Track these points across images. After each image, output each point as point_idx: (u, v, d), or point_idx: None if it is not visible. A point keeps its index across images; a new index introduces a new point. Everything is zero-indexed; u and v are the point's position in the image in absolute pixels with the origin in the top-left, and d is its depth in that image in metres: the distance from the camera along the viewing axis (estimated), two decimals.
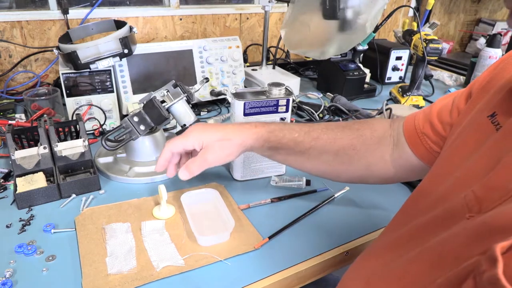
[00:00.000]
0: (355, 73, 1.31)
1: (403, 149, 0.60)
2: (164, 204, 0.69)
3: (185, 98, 0.79)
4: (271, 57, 1.49)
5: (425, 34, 1.19)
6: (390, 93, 1.38)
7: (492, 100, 0.44)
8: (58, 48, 0.97)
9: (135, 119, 0.76)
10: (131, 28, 1.01)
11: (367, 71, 1.42)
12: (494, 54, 1.40)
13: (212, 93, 1.16)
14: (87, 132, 0.89)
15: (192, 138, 0.62)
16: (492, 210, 0.35)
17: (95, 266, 0.57)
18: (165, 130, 0.98)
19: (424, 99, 1.30)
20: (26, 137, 0.80)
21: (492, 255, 0.28)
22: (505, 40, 2.02)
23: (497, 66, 0.49)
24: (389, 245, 0.47)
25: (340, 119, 1.12)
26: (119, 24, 1.09)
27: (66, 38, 1.10)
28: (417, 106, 1.27)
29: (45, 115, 0.92)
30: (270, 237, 0.64)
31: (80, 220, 0.67)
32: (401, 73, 1.52)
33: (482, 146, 0.41)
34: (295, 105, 1.17)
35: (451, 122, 0.53)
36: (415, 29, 1.29)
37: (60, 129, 0.82)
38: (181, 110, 0.79)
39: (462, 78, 1.59)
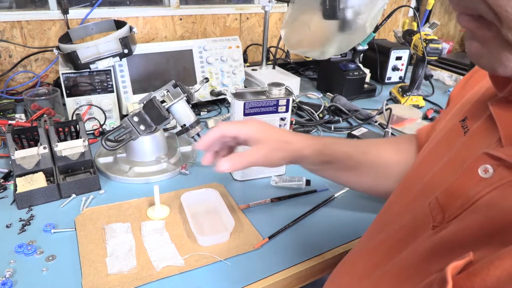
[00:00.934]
0: (355, 73, 1.31)
1: None
2: (158, 204, 0.69)
3: (185, 98, 0.79)
4: (271, 57, 1.49)
5: (425, 34, 1.19)
6: (390, 93, 1.38)
7: (464, 106, 0.44)
8: (58, 48, 0.97)
9: (135, 119, 0.76)
10: (131, 28, 1.01)
11: (367, 71, 1.42)
12: None
13: (212, 93, 1.16)
14: (87, 132, 0.89)
15: (251, 126, 0.57)
16: (454, 219, 0.34)
17: (95, 266, 0.57)
18: (165, 130, 0.98)
19: (424, 99, 1.30)
20: (26, 137, 0.80)
21: (444, 276, 0.27)
22: None
23: (472, 76, 0.51)
24: (364, 255, 0.46)
25: (340, 119, 1.12)
26: (119, 24, 1.09)
27: (66, 38, 1.10)
28: (417, 106, 1.27)
29: (45, 115, 0.92)
30: (270, 237, 0.64)
31: (80, 220, 0.67)
32: (401, 73, 1.52)
33: (450, 151, 0.41)
34: (295, 105, 1.17)
35: None
36: (415, 29, 1.29)
37: (60, 129, 0.82)
38: (181, 110, 0.79)
39: (461, 78, 1.59)
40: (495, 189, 0.32)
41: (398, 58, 1.48)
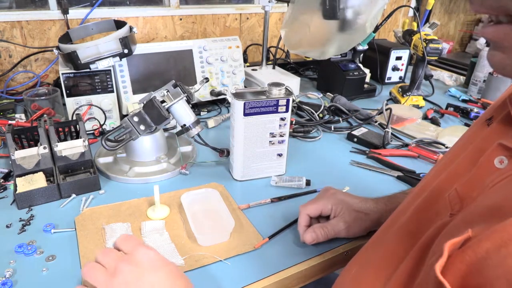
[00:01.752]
0: (355, 73, 1.31)
1: None
2: (158, 204, 0.69)
3: (185, 98, 0.79)
4: (271, 57, 1.49)
5: (425, 34, 1.19)
6: (390, 93, 1.38)
7: (492, 108, 0.45)
8: (58, 48, 0.97)
9: (135, 119, 0.76)
10: (131, 28, 1.01)
11: (367, 71, 1.42)
12: None
13: (212, 93, 1.16)
14: (87, 132, 0.89)
15: (332, 202, 0.63)
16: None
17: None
18: (165, 130, 0.98)
19: (424, 99, 1.30)
20: (26, 137, 0.80)
21: (441, 250, 0.29)
22: None
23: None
24: (383, 244, 0.47)
25: (340, 119, 1.12)
26: (119, 24, 1.09)
27: (66, 38, 1.10)
28: (417, 106, 1.27)
29: (45, 115, 0.92)
30: (270, 237, 0.64)
31: (80, 220, 0.67)
32: (401, 73, 1.52)
33: (473, 143, 0.42)
34: (295, 105, 1.17)
35: None
36: (415, 29, 1.29)
37: (60, 129, 0.82)
38: (181, 110, 0.79)
39: (462, 78, 1.59)
40: (505, 178, 0.33)
41: (398, 58, 1.48)
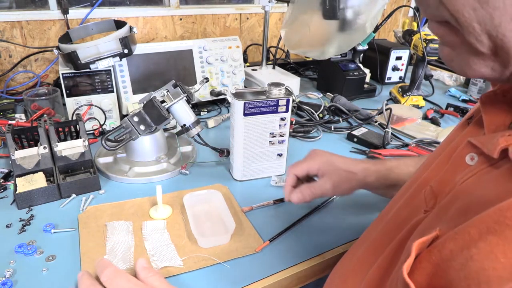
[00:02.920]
0: (355, 73, 1.31)
1: None
2: (160, 205, 0.69)
3: (185, 98, 0.79)
4: (271, 57, 1.49)
5: (425, 34, 1.19)
6: (390, 93, 1.38)
7: (475, 107, 0.46)
8: (58, 48, 0.97)
9: (135, 119, 0.76)
10: (131, 28, 1.01)
11: (367, 71, 1.42)
12: None
13: (212, 93, 1.16)
14: (87, 132, 0.89)
15: (319, 162, 0.63)
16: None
17: (95, 264, 0.57)
18: (165, 130, 0.98)
19: (424, 99, 1.30)
20: (26, 137, 0.80)
21: (409, 250, 0.30)
22: None
23: None
24: (366, 244, 0.47)
25: (340, 119, 1.12)
26: (119, 24, 1.09)
27: (66, 38, 1.10)
28: (417, 106, 1.27)
29: (45, 115, 0.92)
30: (271, 240, 0.64)
31: (83, 218, 0.67)
32: (401, 73, 1.52)
33: (453, 141, 0.43)
34: (295, 105, 1.17)
35: None
36: (415, 29, 1.29)
37: (60, 129, 0.82)
38: (181, 110, 0.79)
39: (462, 78, 1.59)
40: (473, 175, 0.34)
41: (398, 58, 1.48)
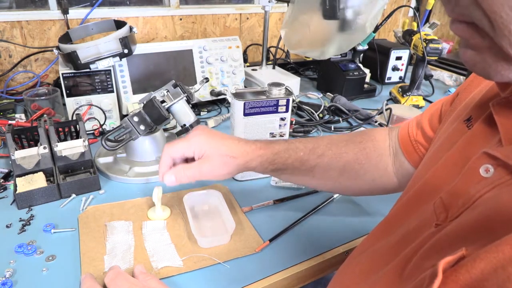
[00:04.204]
0: (355, 73, 1.31)
1: (401, 159, 0.59)
2: (158, 206, 0.69)
3: (185, 98, 0.79)
4: (271, 57, 1.49)
5: (425, 34, 1.19)
6: (390, 93, 1.38)
7: (469, 105, 0.44)
8: (58, 48, 0.97)
9: (135, 119, 0.76)
10: (131, 28, 1.01)
11: (367, 71, 1.42)
12: None
13: (212, 93, 1.16)
14: (87, 132, 0.89)
15: (195, 144, 0.58)
16: (456, 218, 0.34)
17: (95, 264, 0.57)
18: (165, 130, 0.98)
19: (424, 99, 1.30)
20: (26, 137, 0.80)
21: (435, 270, 0.28)
22: None
23: None
24: (370, 255, 0.46)
25: (340, 119, 1.12)
26: (119, 24, 1.09)
27: (66, 38, 1.10)
28: (417, 106, 1.27)
29: (45, 115, 0.92)
30: (271, 240, 0.64)
31: (83, 218, 0.67)
32: (401, 73, 1.52)
33: (453, 146, 0.41)
34: (295, 105, 1.17)
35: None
36: (415, 29, 1.29)
37: (60, 129, 0.82)
38: (181, 110, 0.79)
39: (462, 78, 1.59)
40: (493, 188, 0.32)
41: (398, 58, 1.48)
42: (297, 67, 1.59)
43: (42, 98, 0.99)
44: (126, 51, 0.96)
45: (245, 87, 1.26)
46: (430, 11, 1.72)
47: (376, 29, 1.25)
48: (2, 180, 0.77)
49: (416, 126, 0.58)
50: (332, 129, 1.07)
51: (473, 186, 0.34)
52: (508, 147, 0.33)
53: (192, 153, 0.58)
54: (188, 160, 0.61)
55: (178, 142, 0.59)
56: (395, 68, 1.49)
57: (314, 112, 1.12)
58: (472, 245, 0.29)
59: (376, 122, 1.11)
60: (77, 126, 0.82)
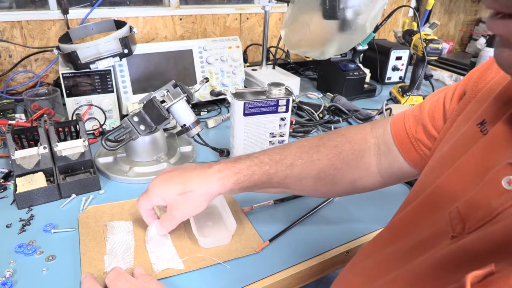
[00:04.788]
0: (355, 73, 1.31)
1: (394, 158, 0.56)
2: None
3: (185, 98, 0.79)
4: (271, 57, 1.49)
5: (425, 34, 1.19)
6: (390, 93, 1.38)
7: (479, 107, 0.42)
8: (58, 48, 0.97)
9: (135, 119, 0.76)
10: (131, 28, 1.01)
11: (367, 71, 1.42)
12: None
13: (212, 93, 1.16)
14: (87, 132, 0.89)
15: (155, 196, 0.58)
16: (474, 231, 0.32)
17: (95, 264, 0.57)
18: (165, 130, 0.98)
19: (424, 99, 1.30)
20: (26, 137, 0.80)
21: (462, 284, 0.27)
22: None
23: (489, 66, 0.46)
24: (378, 259, 0.45)
25: (340, 119, 1.12)
26: (119, 24, 1.09)
27: (66, 38, 1.10)
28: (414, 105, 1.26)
29: (45, 115, 0.92)
30: (271, 240, 0.64)
31: (83, 218, 0.67)
32: (401, 73, 1.52)
33: (467, 152, 0.39)
34: (295, 105, 1.17)
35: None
36: (415, 29, 1.29)
37: (60, 129, 0.82)
38: (181, 110, 0.79)
39: (462, 78, 1.59)
40: None
41: (398, 58, 1.48)
42: (297, 67, 1.59)
43: (42, 98, 0.99)
44: (126, 51, 0.96)
45: (245, 87, 1.26)
46: (430, 11, 1.72)
47: (376, 29, 1.25)
48: (2, 180, 0.77)
49: (415, 122, 0.55)
50: (332, 129, 1.06)
51: (495, 199, 0.32)
52: None
53: (157, 203, 0.59)
54: None
55: (142, 196, 0.60)
56: (395, 68, 1.49)
57: (314, 112, 1.12)
58: (501, 261, 0.28)
59: (368, 124, 1.11)
60: (77, 126, 0.82)
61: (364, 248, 0.50)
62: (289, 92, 0.77)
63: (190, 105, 0.81)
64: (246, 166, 0.57)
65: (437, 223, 0.37)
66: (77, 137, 0.83)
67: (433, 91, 1.41)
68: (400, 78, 1.53)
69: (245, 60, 1.47)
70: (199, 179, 0.56)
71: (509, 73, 0.30)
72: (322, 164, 0.58)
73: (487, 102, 0.40)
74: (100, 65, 0.94)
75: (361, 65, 1.38)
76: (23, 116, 0.98)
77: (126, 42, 0.95)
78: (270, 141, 0.79)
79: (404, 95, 1.28)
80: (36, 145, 0.75)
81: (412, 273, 0.36)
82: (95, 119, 0.97)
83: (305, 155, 0.58)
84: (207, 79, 0.89)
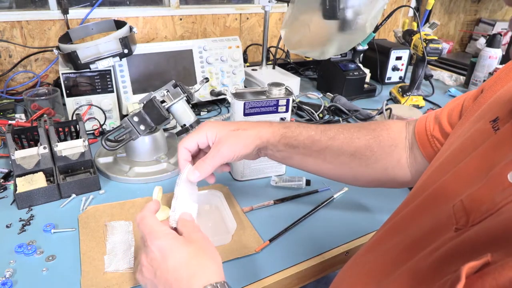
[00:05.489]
0: (355, 73, 1.31)
1: (416, 153, 0.59)
2: (156, 193, 0.68)
3: (185, 98, 0.79)
4: (271, 57, 1.49)
5: (425, 34, 1.19)
6: (390, 93, 1.38)
7: (495, 105, 0.42)
8: (58, 48, 0.97)
9: (135, 119, 0.76)
10: (131, 28, 1.01)
11: (367, 71, 1.42)
12: (494, 54, 1.40)
13: (212, 93, 1.16)
14: (87, 132, 0.89)
15: (206, 130, 0.58)
16: (478, 224, 0.33)
17: (95, 264, 0.57)
18: (165, 130, 0.98)
19: (424, 99, 1.30)
20: (26, 137, 0.80)
21: (458, 275, 0.27)
22: (505, 40, 2.02)
23: (506, 68, 0.47)
24: (379, 255, 0.45)
25: (340, 119, 1.12)
26: (119, 24, 1.09)
27: (66, 38, 1.10)
28: (417, 106, 1.27)
29: (45, 115, 0.92)
30: (271, 240, 0.64)
31: (83, 218, 0.67)
32: (401, 73, 1.52)
33: (477, 148, 0.39)
34: (295, 105, 1.17)
35: None
36: (415, 29, 1.29)
37: (60, 129, 0.82)
38: (181, 110, 0.79)
39: (462, 78, 1.59)
40: None
41: (398, 58, 1.48)
42: (297, 67, 1.59)
43: (42, 98, 0.99)
44: (126, 51, 0.96)
45: (245, 87, 1.26)
46: (430, 11, 1.72)
47: (376, 29, 1.25)
48: (2, 180, 0.77)
49: (434, 120, 0.57)
50: None
51: (499, 193, 0.32)
52: None
53: (205, 139, 0.58)
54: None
55: (190, 134, 0.60)
56: (395, 68, 1.49)
57: (314, 112, 1.12)
58: (497, 252, 0.28)
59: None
60: (77, 126, 0.82)
61: (364, 246, 0.50)
62: (289, 92, 0.77)
63: (190, 105, 0.81)
64: (295, 126, 0.61)
65: (440, 216, 0.38)
66: (77, 137, 0.83)
67: (433, 91, 1.42)
68: (400, 78, 1.53)
69: (245, 60, 1.47)
70: (252, 124, 0.60)
71: None
72: (361, 143, 0.60)
73: (502, 102, 0.41)
74: (100, 65, 0.94)
75: (361, 65, 1.38)
76: (23, 116, 0.98)
77: (126, 42, 0.95)
78: None
79: (404, 95, 1.28)
80: (36, 145, 0.75)
81: (416, 267, 0.36)
82: (95, 119, 0.97)
83: (346, 131, 0.61)
84: (207, 79, 0.89)
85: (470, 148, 0.41)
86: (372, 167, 0.61)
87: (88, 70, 0.94)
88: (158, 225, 0.48)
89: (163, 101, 0.77)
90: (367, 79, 1.42)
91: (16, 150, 0.73)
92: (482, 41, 1.98)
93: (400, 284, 0.37)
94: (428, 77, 1.34)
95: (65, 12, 1.23)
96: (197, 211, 0.55)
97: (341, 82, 1.31)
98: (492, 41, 1.41)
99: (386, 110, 1.10)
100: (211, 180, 0.59)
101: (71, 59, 0.92)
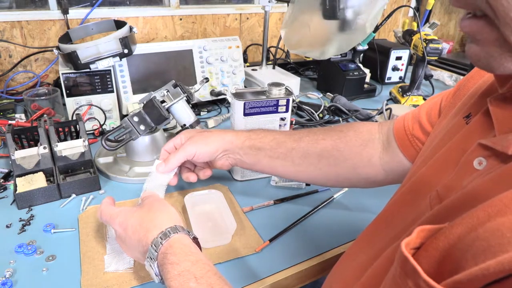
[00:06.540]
0: (355, 73, 1.31)
1: (394, 152, 0.59)
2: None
3: (185, 98, 0.79)
4: (271, 57, 1.49)
5: (425, 34, 1.19)
6: (390, 93, 1.38)
7: (468, 101, 0.45)
8: (58, 48, 0.97)
9: (135, 119, 0.76)
10: (131, 28, 1.01)
11: (367, 71, 1.42)
12: None
13: (212, 93, 1.16)
14: (87, 132, 0.89)
15: (181, 134, 0.65)
16: (442, 203, 0.35)
17: (95, 264, 0.57)
18: (165, 130, 0.98)
19: (424, 99, 1.30)
20: (26, 137, 0.80)
21: (410, 232, 0.30)
22: None
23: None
24: (367, 248, 0.47)
25: (340, 119, 1.12)
26: (119, 24, 1.09)
27: (66, 38, 1.10)
28: (417, 106, 1.27)
29: (45, 115, 0.92)
30: (271, 240, 0.64)
31: (83, 218, 0.67)
32: (401, 73, 1.52)
33: (451, 141, 0.42)
34: (295, 105, 1.16)
35: None
36: (415, 29, 1.29)
37: (60, 129, 0.82)
38: (181, 110, 0.79)
39: (462, 78, 1.59)
40: (481, 179, 0.33)
41: (398, 58, 1.48)
42: (297, 67, 1.59)
43: (42, 98, 0.99)
44: (126, 51, 0.96)
45: (245, 87, 1.26)
46: (430, 11, 1.72)
47: (376, 29, 1.25)
48: (2, 180, 0.77)
49: (413, 119, 0.58)
50: None
51: (466, 178, 0.35)
52: (500, 136, 0.34)
53: (179, 141, 0.65)
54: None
55: (175, 153, 0.64)
56: (395, 68, 1.49)
57: (314, 112, 1.12)
58: (454, 220, 0.30)
59: (376, 122, 1.11)
60: (77, 126, 0.82)
61: (355, 240, 0.52)
62: (289, 92, 0.77)
63: (190, 105, 0.81)
64: (260, 130, 0.66)
65: (419, 208, 0.40)
66: (77, 137, 0.83)
67: (433, 91, 1.41)
68: (400, 78, 1.53)
69: (245, 60, 1.47)
70: (221, 130, 0.66)
71: (478, 66, 0.33)
72: (327, 143, 0.62)
73: (474, 98, 0.43)
74: (100, 65, 0.94)
75: (361, 65, 1.38)
76: (23, 116, 0.98)
77: (126, 42, 0.95)
78: None
79: (404, 95, 1.28)
80: (36, 145, 0.75)
81: (392, 252, 0.38)
82: (95, 119, 0.97)
83: (312, 134, 0.64)
84: (207, 79, 0.89)
85: (446, 141, 0.43)
86: (341, 167, 0.62)
87: (88, 70, 0.94)
88: (113, 209, 0.56)
89: (163, 101, 0.77)
90: (367, 79, 1.42)
91: (16, 150, 0.73)
92: None
93: (381, 269, 0.39)
94: (428, 77, 1.33)
95: (65, 12, 1.23)
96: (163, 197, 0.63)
97: (341, 82, 1.31)
98: None
99: (386, 110, 1.10)
100: (173, 182, 0.66)
101: (71, 59, 0.92)
